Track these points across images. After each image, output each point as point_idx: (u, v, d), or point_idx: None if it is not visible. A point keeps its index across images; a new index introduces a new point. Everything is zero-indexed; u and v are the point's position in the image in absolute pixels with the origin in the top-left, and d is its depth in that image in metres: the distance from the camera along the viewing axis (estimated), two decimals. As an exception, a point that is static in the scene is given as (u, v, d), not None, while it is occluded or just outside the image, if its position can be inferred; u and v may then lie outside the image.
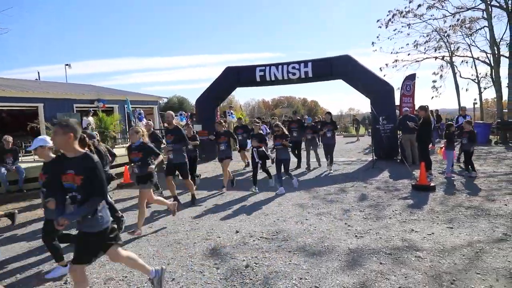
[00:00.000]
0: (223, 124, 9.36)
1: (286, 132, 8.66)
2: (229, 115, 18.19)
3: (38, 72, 33.19)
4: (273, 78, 13.10)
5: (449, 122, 10.59)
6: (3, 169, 9.01)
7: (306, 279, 3.87)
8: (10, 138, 9.29)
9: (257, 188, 8.30)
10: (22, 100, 16.70)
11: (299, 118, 12.91)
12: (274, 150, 8.67)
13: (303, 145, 12.36)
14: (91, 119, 13.90)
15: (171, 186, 7.32)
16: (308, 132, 11.50)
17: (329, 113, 11.30)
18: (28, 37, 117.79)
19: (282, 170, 8.31)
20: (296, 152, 11.74)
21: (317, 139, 12.37)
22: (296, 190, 8.29)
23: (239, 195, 8.12)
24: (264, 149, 8.48)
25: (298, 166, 11.69)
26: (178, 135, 7.31)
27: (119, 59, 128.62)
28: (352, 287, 3.65)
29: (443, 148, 9.65)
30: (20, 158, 10.49)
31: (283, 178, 8.39)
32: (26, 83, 21.65)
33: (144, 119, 18.24)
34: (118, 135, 17.91)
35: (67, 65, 31.37)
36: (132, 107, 18.23)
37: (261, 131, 11.16)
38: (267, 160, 8.75)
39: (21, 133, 16.63)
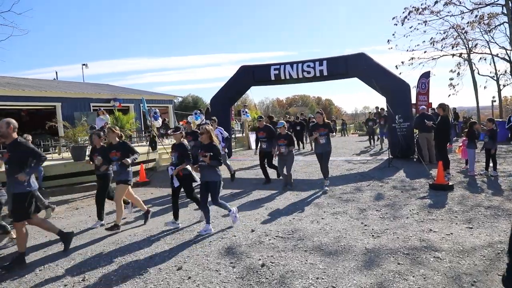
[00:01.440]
0: (116, 131, 6.24)
1: (215, 140, 5.67)
2: (243, 114, 18.24)
3: (56, 72, 34.07)
4: (287, 77, 13.03)
5: (473, 120, 10.37)
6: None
7: (323, 278, 3.85)
8: (29, 137, 9.43)
9: (178, 223, 5.99)
10: (41, 99, 17.12)
11: (267, 124, 9.71)
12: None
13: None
14: (108, 117, 14.08)
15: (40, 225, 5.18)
16: (280, 142, 8.36)
17: (320, 113, 8.31)
18: (46, 38, 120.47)
19: (209, 198, 5.62)
20: (268, 164, 9.35)
21: (293, 152, 8.56)
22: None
23: (254, 195, 8.13)
24: (191, 168, 5.97)
25: (278, 176, 9.43)
26: (17, 152, 4.68)
27: (134, 59, 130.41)
28: (369, 287, 3.62)
29: (462, 146, 9.47)
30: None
31: (209, 207, 5.69)
32: (44, 83, 22.17)
33: (160, 118, 18.39)
34: (134, 134, 18.16)
35: (84, 64, 31.99)
36: (147, 106, 18.43)
37: (199, 139, 6.53)
38: (193, 183, 6.15)
39: (39, 132, 17.05)
